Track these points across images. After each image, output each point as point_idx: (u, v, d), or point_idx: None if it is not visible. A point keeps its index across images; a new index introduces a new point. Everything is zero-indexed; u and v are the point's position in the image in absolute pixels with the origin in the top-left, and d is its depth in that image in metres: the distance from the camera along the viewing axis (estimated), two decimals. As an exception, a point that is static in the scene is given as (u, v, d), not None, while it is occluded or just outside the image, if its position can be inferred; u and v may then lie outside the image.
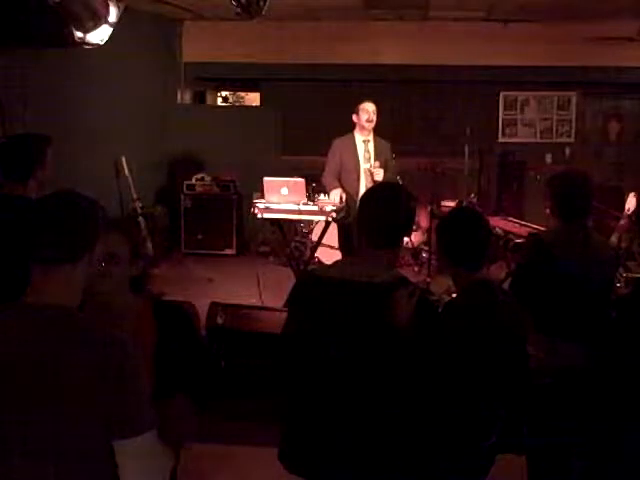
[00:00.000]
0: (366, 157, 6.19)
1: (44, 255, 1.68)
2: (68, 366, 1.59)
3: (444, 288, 5.73)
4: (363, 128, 6.15)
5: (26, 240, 1.71)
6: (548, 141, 9.53)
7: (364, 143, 6.20)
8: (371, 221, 2.32)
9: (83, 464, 1.61)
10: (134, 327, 2.15)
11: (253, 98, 11.33)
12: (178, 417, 1.92)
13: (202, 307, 4.75)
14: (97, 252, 1.75)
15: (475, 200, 7.83)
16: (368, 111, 6.10)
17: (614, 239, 6.29)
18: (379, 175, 5.99)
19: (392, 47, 8.84)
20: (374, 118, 6.11)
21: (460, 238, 2.54)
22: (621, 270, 6.06)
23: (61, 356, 1.60)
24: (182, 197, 8.55)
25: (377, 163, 6.08)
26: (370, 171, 6.06)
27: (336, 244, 6.55)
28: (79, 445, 1.59)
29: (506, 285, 5.63)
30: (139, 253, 2.28)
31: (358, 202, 2.46)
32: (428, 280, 6.91)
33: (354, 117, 6.19)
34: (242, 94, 11.88)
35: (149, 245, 6.64)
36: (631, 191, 6.79)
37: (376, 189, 2.71)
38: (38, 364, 1.59)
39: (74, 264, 1.69)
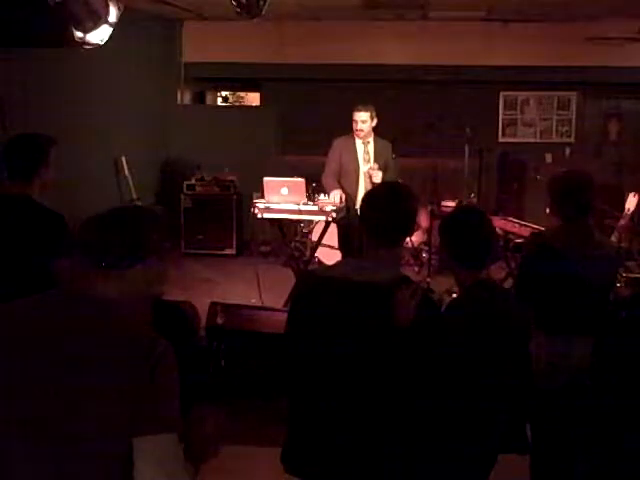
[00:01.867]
0: (365, 159, 6.18)
1: (99, 259, 1.71)
2: (99, 359, 1.60)
3: (444, 288, 5.74)
4: (357, 135, 6.15)
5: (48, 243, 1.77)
6: (548, 141, 9.53)
7: (364, 144, 6.19)
8: (373, 220, 2.32)
9: (98, 460, 1.60)
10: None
11: (253, 98, 11.33)
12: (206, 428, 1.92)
13: (202, 307, 4.76)
14: (152, 263, 1.80)
15: (475, 200, 7.82)
16: (357, 121, 6.07)
17: (614, 239, 6.30)
18: (377, 177, 5.97)
19: (392, 47, 8.83)
20: (364, 127, 6.06)
21: (463, 237, 2.54)
22: (621, 270, 6.08)
23: (95, 347, 1.61)
24: (182, 197, 8.55)
25: (376, 165, 6.07)
26: (369, 173, 6.05)
27: (336, 244, 6.55)
28: (97, 438, 1.59)
29: (506, 285, 5.65)
30: None
31: (360, 202, 2.46)
32: (428, 280, 6.92)
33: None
34: (242, 94, 11.89)
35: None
36: (631, 191, 6.80)
37: (379, 189, 2.70)
38: (69, 353, 1.61)
39: (123, 271, 1.73)
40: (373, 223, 2.31)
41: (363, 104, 6.10)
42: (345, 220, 6.12)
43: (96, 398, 1.58)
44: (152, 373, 1.60)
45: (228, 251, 8.47)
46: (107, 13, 4.83)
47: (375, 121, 6.13)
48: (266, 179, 6.18)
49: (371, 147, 6.21)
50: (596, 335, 2.73)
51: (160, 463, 1.61)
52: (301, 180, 6.13)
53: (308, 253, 7.14)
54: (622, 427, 2.42)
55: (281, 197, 6.09)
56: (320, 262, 6.86)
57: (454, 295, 4.99)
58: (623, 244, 6.56)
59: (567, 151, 9.47)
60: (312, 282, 2.38)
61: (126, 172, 7.50)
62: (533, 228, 6.09)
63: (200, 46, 9.19)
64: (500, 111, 9.55)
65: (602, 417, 2.53)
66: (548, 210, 3.24)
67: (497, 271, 6.32)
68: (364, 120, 6.05)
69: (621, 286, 6.01)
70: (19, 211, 3.07)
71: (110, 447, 1.59)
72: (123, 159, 7.52)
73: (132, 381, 1.59)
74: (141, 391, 1.58)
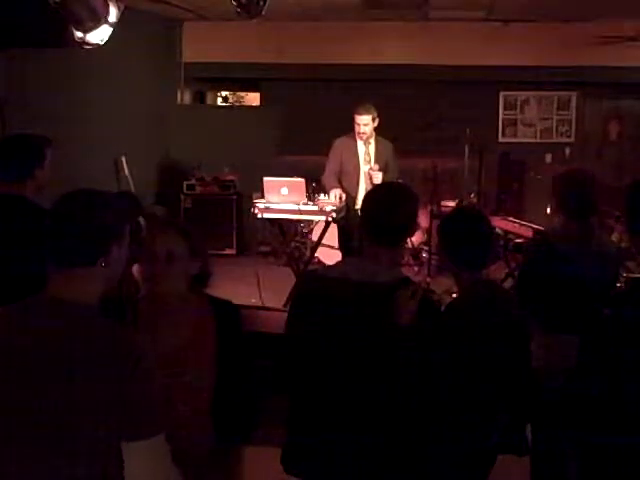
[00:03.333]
0: (366, 160, 6.16)
1: (60, 259, 1.66)
2: (82, 364, 1.59)
3: (444, 288, 5.73)
4: (360, 138, 6.12)
5: (41, 244, 1.67)
6: (548, 141, 9.53)
7: (365, 145, 6.17)
8: (373, 220, 2.32)
9: (91, 462, 1.60)
10: (195, 327, 2.16)
11: (253, 98, 11.33)
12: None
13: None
14: (115, 252, 1.71)
15: (475, 200, 7.81)
16: (359, 124, 6.01)
17: (614, 239, 6.30)
18: (377, 178, 5.95)
19: (392, 47, 8.83)
20: (366, 130, 6.02)
21: (461, 239, 2.54)
22: (621, 270, 6.07)
23: (76, 353, 1.60)
24: (182, 197, 8.54)
25: (377, 166, 6.05)
26: (369, 174, 6.04)
27: (336, 244, 6.55)
28: (88, 443, 1.59)
29: (506, 285, 5.65)
30: (197, 251, 2.29)
31: (361, 202, 2.46)
32: (428, 280, 6.91)
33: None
34: (242, 94, 11.89)
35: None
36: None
37: (379, 189, 2.71)
38: (53, 359, 1.59)
39: (90, 267, 1.67)
40: (374, 223, 2.31)
41: (364, 106, 6.04)
42: (345, 220, 6.11)
43: (80, 404, 1.57)
44: (132, 376, 1.59)
45: (228, 251, 8.46)
46: (107, 13, 4.83)
47: (377, 121, 6.11)
48: (266, 179, 6.18)
49: (372, 148, 6.19)
50: (581, 334, 2.72)
51: (147, 465, 1.62)
52: (301, 180, 6.13)
53: (308, 253, 7.14)
54: (612, 425, 2.41)
55: (281, 197, 6.09)
56: (320, 262, 6.86)
57: (454, 295, 4.98)
58: (623, 244, 6.56)
59: (567, 151, 9.47)
60: (312, 282, 2.38)
61: (126, 172, 7.49)
62: (533, 228, 6.09)
63: (200, 46, 9.18)
64: (500, 111, 9.55)
65: (594, 416, 2.52)
66: (549, 210, 3.25)
67: (497, 271, 6.32)
68: (366, 123, 6.00)
69: (621, 286, 6.00)
70: (14, 211, 3.06)
71: (99, 449, 1.60)
72: (123, 159, 7.51)
73: (112, 386, 1.58)
74: (123, 396, 1.58)
